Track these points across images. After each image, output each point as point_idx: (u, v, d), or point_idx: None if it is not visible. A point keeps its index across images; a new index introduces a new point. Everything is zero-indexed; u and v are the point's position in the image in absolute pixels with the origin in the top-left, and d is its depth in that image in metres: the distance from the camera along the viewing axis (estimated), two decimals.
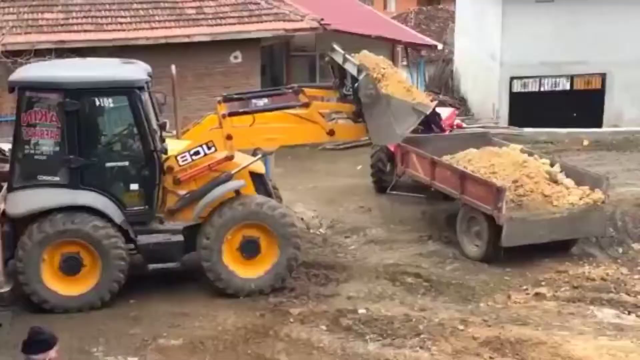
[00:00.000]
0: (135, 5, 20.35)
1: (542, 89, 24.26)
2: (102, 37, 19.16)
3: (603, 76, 24.25)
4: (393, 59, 24.97)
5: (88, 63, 12.38)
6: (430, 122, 15.68)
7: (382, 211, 15.12)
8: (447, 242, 13.36)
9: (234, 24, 20.24)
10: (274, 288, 11.17)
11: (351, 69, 11.65)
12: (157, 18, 20.07)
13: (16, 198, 10.66)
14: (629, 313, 10.85)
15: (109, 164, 10.87)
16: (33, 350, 5.42)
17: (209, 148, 11.15)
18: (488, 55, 25.04)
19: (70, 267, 10.66)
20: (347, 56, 11.88)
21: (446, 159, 14.18)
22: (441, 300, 11.16)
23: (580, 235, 13.02)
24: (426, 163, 14.06)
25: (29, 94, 10.62)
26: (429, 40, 26.42)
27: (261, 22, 20.42)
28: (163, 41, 19.11)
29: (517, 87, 24.02)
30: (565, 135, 21.06)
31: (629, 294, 11.47)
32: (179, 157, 11.03)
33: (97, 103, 10.78)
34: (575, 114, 23.44)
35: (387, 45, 24.18)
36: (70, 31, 19.27)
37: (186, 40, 19.35)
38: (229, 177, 11.10)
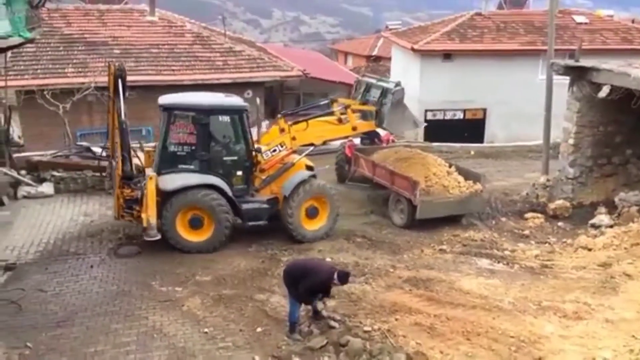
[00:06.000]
0: (182, 58, 20.15)
1: (445, 118, 24.27)
2: (159, 78, 18.92)
3: (484, 110, 24.37)
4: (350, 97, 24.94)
5: (204, 94, 12.19)
6: (373, 137, 15.73)
7: (341, 195, 14.85)
8: (383, 215, 13.40)
9: (247, 71, 20.10)
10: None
11: (385, 84, 12.49)
12: (197, 66, 19.88)
13: (167, 179, 10.69)
14: (498, 262, 11.02)
15: (225, 158, 11.14)
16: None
17: (281, 146, 11.60)
18: (412, 96, 25.06)
19: (195, 223, 10.77)
20: (382, 78, 13.76)
21: (381, 156, 14.19)
22: (379, 253, 11.23)
23: (467, 211, 13.14)
24: (370, 164, 14.09)
25: (176, 112, 10.86)
26: None
27: (265, 70, 20.31)
28: (200, 82, 18.95)
29: (430, 116, 24.03)
30: (459, 147, 21.08)
31: (498, 250, 11.65)
32: (263, 154, 11.36)
33: (220, 119, 11.01)
34: (466, 134, 23.52)
35: (347, 88, 24.02)
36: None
37: (216, 81, 19.17)
38: (292, 165, 11.64)
